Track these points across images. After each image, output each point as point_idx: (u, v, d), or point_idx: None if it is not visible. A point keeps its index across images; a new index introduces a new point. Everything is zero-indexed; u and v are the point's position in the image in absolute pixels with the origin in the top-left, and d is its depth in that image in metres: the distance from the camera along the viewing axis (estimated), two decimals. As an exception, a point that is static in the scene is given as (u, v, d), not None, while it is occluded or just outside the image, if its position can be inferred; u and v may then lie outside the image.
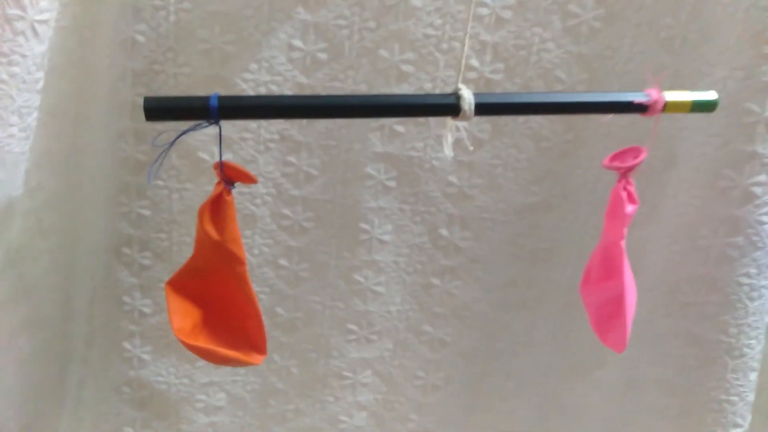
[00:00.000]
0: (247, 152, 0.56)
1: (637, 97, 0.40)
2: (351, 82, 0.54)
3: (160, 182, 0.57)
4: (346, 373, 0.65)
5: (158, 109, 0.36)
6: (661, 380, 0.58)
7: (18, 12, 0.48)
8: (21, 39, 0.49)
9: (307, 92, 0.54)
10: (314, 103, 0.37)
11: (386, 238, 0.60)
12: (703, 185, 0.52)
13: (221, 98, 0.36)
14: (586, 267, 0.47)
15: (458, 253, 0.60)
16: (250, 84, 0.54)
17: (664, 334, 0.57)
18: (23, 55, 0.49)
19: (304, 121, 0.56)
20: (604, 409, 0.64)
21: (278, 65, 0.53)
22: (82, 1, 0.53)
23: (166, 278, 0.61)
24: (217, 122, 0.36)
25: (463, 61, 0.40)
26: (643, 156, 0.40)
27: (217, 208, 0.39)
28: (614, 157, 0.42)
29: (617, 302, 0.44)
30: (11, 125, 0.51)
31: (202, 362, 0.65)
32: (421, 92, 0.54)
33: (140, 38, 0.52)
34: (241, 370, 0.66)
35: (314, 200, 0.59)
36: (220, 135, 0.38)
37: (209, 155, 0.56)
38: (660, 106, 0.40)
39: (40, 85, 0.52)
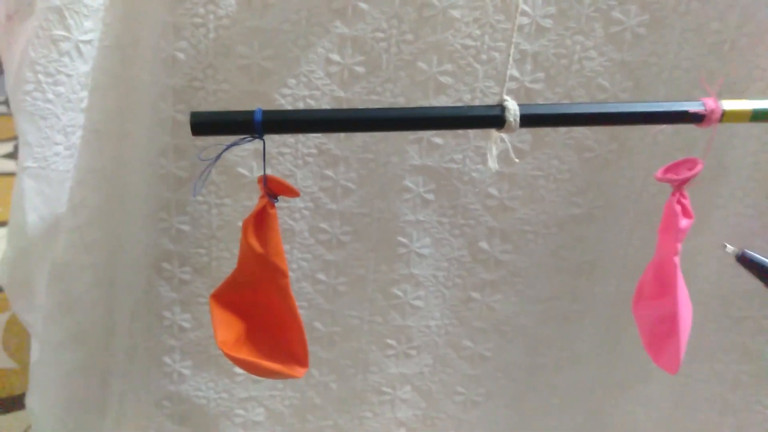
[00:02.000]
0: (285, 167, 0.56)
1: (693, 107, 0.38)
2: (389, 95, 0.54)
3: (199, 198, 0.57)
4: (384, 389, 0.64)
5: (204, 124, 0.36)
6: (714, 398, 0.56)
7: (63, 33, 0.49)
8: (66, 59, 0.50)
9: (345, 106, 0.54)
10: (358, 116, 0.37)
11: (425, 251, 0.59)
12: (757, 195, 0.50)
13: (265, 113, 0.36)
14: (638, 283, 0.46)
15: (499, 267, 0.59)
16: (288, 99, 0.54)
17: (717, 350, 0.55)
18: (68, 75, 0.50)
19: (342, 135, 0.56)
20: (652, 428, 0.62)
21: (316, 79, 0.53)
22: (124, 21, 0.54)
23: (206, 293, 0.62)
24: (261, 136, 0.36)
25: (508, 72, 0.39)
26: (699, 168, 0.39)
27: (261, 222, 0.39)
28: (668, 170, 0.40)
29: (671, 321, 0.42)
30: (57, 144, 0.52)
31: (241, 377, 0.65)
32: (460, 103, 0.53)
33: (180, 56, 0.52)
34: (280, 385, 0.65)
35: (352, 214, 0.58)
36: (264, 149, 0.38)
37: (248, 170, 0.57)
38: (717, 116, 0.38)
39: (84, 104, 0.53)
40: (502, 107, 0.37)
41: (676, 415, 0.59)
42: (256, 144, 0.55)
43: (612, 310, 0.60)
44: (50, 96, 0.50)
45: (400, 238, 0.59)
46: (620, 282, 0.59)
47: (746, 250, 0.43)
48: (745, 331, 0.52)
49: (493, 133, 0.40)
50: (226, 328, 0.42)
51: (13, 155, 1.85)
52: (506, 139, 0.40)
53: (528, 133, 0.54)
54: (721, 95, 0.41)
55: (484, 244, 0.59)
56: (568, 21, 0.51)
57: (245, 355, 0.41)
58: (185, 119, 0.54)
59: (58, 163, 0.53)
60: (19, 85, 0.50)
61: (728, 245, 0.45)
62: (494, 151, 0.41)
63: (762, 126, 0.47)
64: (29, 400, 0.74)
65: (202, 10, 0.51)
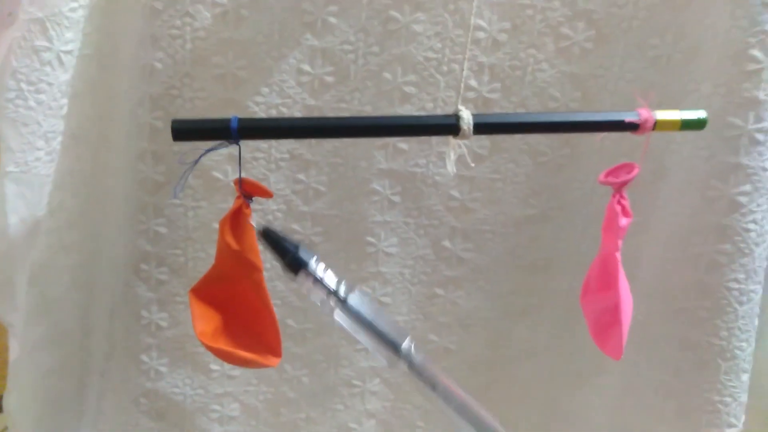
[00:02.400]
0: (259, 171, 0.59)
1: (629, 117, 0.42)
2: (357, 104, 0.57)
3: (176, 201, 0.60)
4: (355, 382, 0.68)
5: (184, 130, 0.39)
6: (658, 384, 0.60)
7: (45, 43, 0.51)
8: (48, 68, 0.52)
9: (315, 114, 0.57)
10: (326, 124, 0.40)
11: (392, 250, 0.63)
12: (692, 196, 0.55)
13: (241, 120, 0.39)
14: (585, 278, 0.50)
15: (461, 264, 0.63)
16: (261, 107, 0.57)
17: (660, 339, 0.59)
18: (50, 84, 0.53)
19: (313, 141, 0.59)
20: (605, 414, 0.66)
21: (288, 88, 0.57)
22: (102, 31, 0.56)
23: (182, 292, 0.64)
24: (237, 142, 0.39)
25: (462, 84, 0.43)
26: (635, 172, 0.43)
27: (236, 221, 0.42)
28: (609, 173, 0.45)
29: (614, 311, 0.46)
30: (38, 149, 0.54)
31: (216, 373, 0.67)
32: (423, 112, 0.57)
33: (158, 65, 0.55)
34: (254, 380, 0.68)
35: (323, 215, 0.61)
36: (240, 154, 0.41)
37: (223, 174, 0.59)
38: (650, 124, 0.43)
39: (65, 110, 0.55)
40: (457, 116, 0.41)
41: (626, 401, 0.63)
42: (231, 149, 0.57)
43: (567, 304, 0.65)
44: (32, 103, 0.52)
45: (369, 238, 0.62)
46: (573, 278, 0.63)
47: (268, 227, 0.43)
48: (684, 322, 0.57)
49: (451, 139, 0.44)
50: (205, 321, 0.44)
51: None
52: (463, 145, 0.44)
53: (486, 139, 0.58)
54: (660, 105, 0.46)
55: (447, 243, 0.62)
56: (522, 35, 0.55)
57: (222, 345, 0.44)
58: (163, 126, 0.57)
59: (39, 167, 0.55)
60: (2, 92, 0.52)
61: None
62: (452, 156, 0.45)
63: (696, 132, 0.52)
64: (7, 401, 0.74)
65: (178, 22, 0.54)
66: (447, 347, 0.67)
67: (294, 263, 0.42)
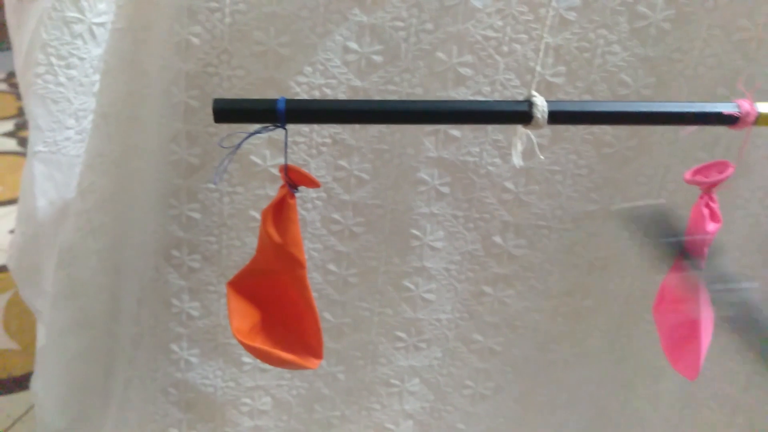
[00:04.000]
0: (299, 156, 0.55)
1: (727, 108, 0.37)
2: (406, 86, 0.53)
3: (211, 185, 0.57)
4: (393, 381, 0.64)
5: (226, 111, 0.35)
6: (724, 397, 0.55)
7: (77, 15, 0.48)
8: (79, 42, 0.49)
9: (361, 96, 0.53)
10: (383, 108, 0.36)
11: (438, 244, 0.59)
12: (778, 196, 0.49)
13: (289, 102, 0.35)
14: (660, 287, 0.45)
15: (512, 262, 0.59)
16: (303, 87, 0.53)
17: (728, 350, 0.54)
18: (81, 58, 0.49)
19: (357, 125, 0.55)
20: (660, 426, 0.62)
21: (333, 68, 0.52)
22: (136, 3, 0.52)
23: (215, 281, 0.61)
24: (283, 126, 0.35)
25: (538, 67, 0.38)
26: (729, 172, 0.38)
27: (280, 212, 0.38)
28: (697, 172, 0.40)
29: (692, 326, 0.42)
30: (68, 128, 0.51)
31: (248, 366, 0.64)
32: (479, 96, 0.52)
33: (195, 40, 0.51)
34: (287, 374, 0.65)
35: (365, 205, 0.58)
36: (286, 139, 0.37)
37: (261, 159, 0.56)
38: (752, 118, 0.37)
39: (96, 87, 0.52)
40: (530, 103, 0.37)
41: (685, 414, 0.59)
42: (271, 132, 0.54)
43: (624, 307, 0.60)
44: (62, 79, 0.49)
45: (414, 231, 0.58)
46: (634, 280, 0.59)
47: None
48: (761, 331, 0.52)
49: (519, 128, 0.39)
50: (242, 317, 0.41)
51: (13, 134, 1.83)
52: (532, 136, 0.40)
53: (547, 128, 0.54)
54: (743, 96, 0.40)
55: (498, 239, 0.58)
56: (593, 14, 0.50)
57: (260, 343, 0.41)
58: (198, 105, 0.53)
59: (68, 147, 0.52)
60: (30, 67, 0.49)
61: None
62: (519, 147, 0.40)
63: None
64: (34, 384, 0.73)
65: (217, -6, 0.50)
66: (492, 348, 0.63)
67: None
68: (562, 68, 0.52)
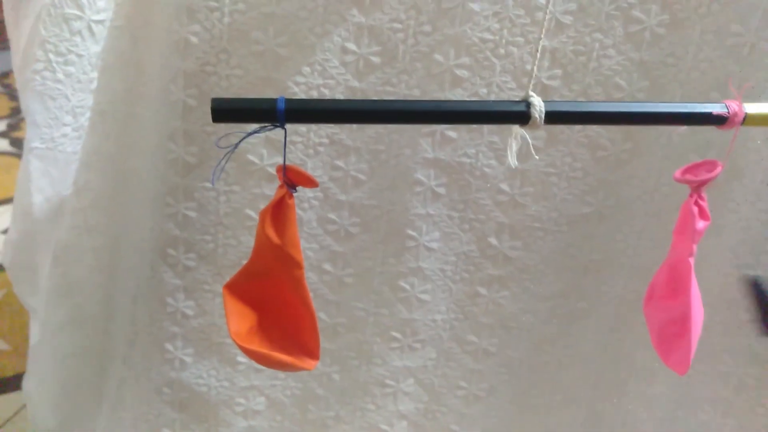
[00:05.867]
0: (296, 156, 0.56)
1: (716, 109, 0.38)
2: (404, 87, 0.53)
3: (207, 184, 0.57)
4: (388, 381, 0.64)
5: (225, 111, 0.35)
6: (717, 399, 0.56)
7: (76, 12, 0.48)
8: (78, 39, 0.49)
9: (359, 96, 0.53)
10: (383, 108, 0.36)
11: (433, 245, 0.59)
12: (770, 199, 0.50)
13: (288, 101, 0.35)
14: (651, 283, 0.46)
15: (507, 263, 0.59)
16: (301, 87, 0.53)
17: (722, 351, 0.55)
18: (79, 55, 0.49)
19: (354, 126, 0.55)
20: (653, 427, 0.62)
21: (331, 68, 0.53)
22: (136, 1, 0.53)
23: (211, 280, 0.61)
24: (283, 126, 0.36)
25: (534, 69, 0.38)
26: (718, 170, 0.39)
27: (278, 212, 0.38)
28: (686, 171, 0.40)
29: (682, 322, 0.42)
30: (65, 125, 0.51)
31: (243, 366, 0.64)
32: (476, 98, 0.53)
33: (193, 39, 0.51)
34: (281, 375, 0.65)
35: (361, 205, 0.58)
36: (285, 139, 0.37)
37: (258, 158, 0.56)
38: (740, 119, 0.38)
39: (94, 85, 0.52)
40: (527, 103, 0.37)
41: (678, 416, 0.60)
42: (268, 132, 0.54)
43: (618, 309, 0.60)
44: (60, 76, 0.49)
45: (410, 231, 0.58)
46: (627, 282, 0.59)
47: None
48: (752, 334, 0.52)
49: (515, 129, 0.39)
50: (239, 319, 0.41)
51: (6, 134, 1.82)
52: (527, 136, 0.40)
53: (543, 130, 0.54)
54: (735, 98, 0.41)
55: (493, 240, 0.58)
56: (588, 18, 0.50)
57: (257, 346, 0.41)
58: (196, 104, 0.53)
59: (65, 144, 0.52)
60: (28, 63, 0.49)
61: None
62: (514, 147, 0.41)
63: (778, 130, 0.47)
64: (26, 383, 0.73)
65: (217, -6, 0.50)
66: (486, 349, 0.63)
67: None
68: (557, 71, 0.52)
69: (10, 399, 0.99)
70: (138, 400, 0.66)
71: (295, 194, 0.58)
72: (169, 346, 0.62)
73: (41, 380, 0.69)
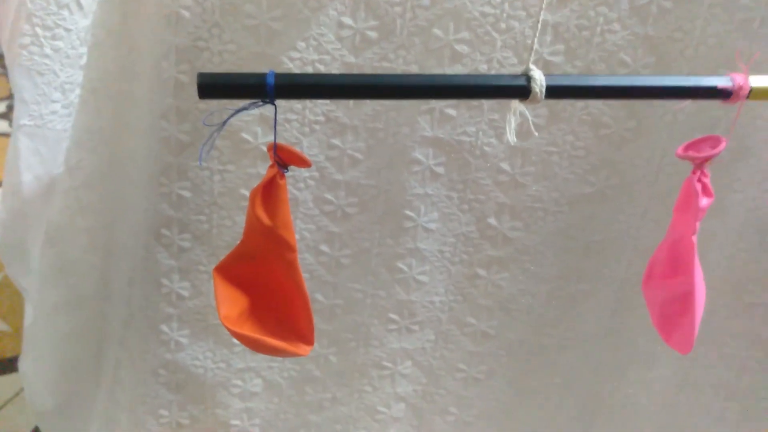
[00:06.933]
0: (291, 134, 0.54)
1: (721, 82, 0.36)
2: (401, 62, 0.52)
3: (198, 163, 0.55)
4: (385, 363, 0.64)
5: (212, 86, 0.34)
6: (719, 383, 0.55)
7: (63, -16, 0.46)
8: (65, 12, 0.47)
9: (356, 72, 0.52)
10: (378, 82, 0.35)
11: (432, 226, 0.58)
12: (777, 179, 0.49)
13: (278, 76, 0.34)
14: (649, 262, 0.45)
15: (507, 244, 0.58)
16: (296, 63, 0.52)
17: (725, 334, 0.54)
18: (67, 29, 0.48)
19: (351, 103, 0.54)
20: (655, 411, 0.61)
21: (326, 43, 0.51)
22: (126, -26, 0.51)
23: (206, 261, 0.60)
24: (272, 102, 0.34)
25: (535, 41, 0.37)
26: (722, 147, 0.37)
27: (269, 193, 0.37)
28: (689, 147, 0.39)
29: (685, 300, 0.41)
30: (54, 101, 0.50)
31: (239, 347, 0.64)
32: (476, 73, 0.51)
33: (185, 13, 0.50)
34: (278, 357, 0.64)
35: (358, 185, 0.57)
36: (275, 115, 0.36)
37: (252, 136, 0.55)
38: (745, 92, 0.37)
39: (84, 60, 0.51)
40: (527, 77, 0.36)
41: (679, 399, 0.59)
42: (262, 108, 0.53)
43: (619, 292, 0.59)
44: (48, 51, 0.48)
45: (407, 212, 0.57)
46: (630, 263, 0.58)
47: None
48: (756, 318, 0.51)
49: (513, 104, 0.38)
50: (230, 303, 0.40)
51: (6, 116, 1.81)
52: (527, 112, 0.39)
53: (544, 107, 0.53)
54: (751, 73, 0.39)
55: (492, 221, 0.57)
56: (593, -10, 0.49)
57: (248, 331, 0.40)
58: (189, 80, 0.52)
59: (55, 121, 0.51)
60: (15, 38, 0.47)
61: None
62: (513, 124, 0.39)
63: (788, 108, 0.45)
64: (22, 364, 0.72)
65: (208, -34, 0.48)
66: (485, 331, 0.62)
67: None
68: (560, 47, 0.51)
69: (10, 380, 0.99)
70: (134, 382, 0.65)
71: (288, 174, 0.57)
72: (164, 328, 0.62)
73: (37, 361, 0.69)
